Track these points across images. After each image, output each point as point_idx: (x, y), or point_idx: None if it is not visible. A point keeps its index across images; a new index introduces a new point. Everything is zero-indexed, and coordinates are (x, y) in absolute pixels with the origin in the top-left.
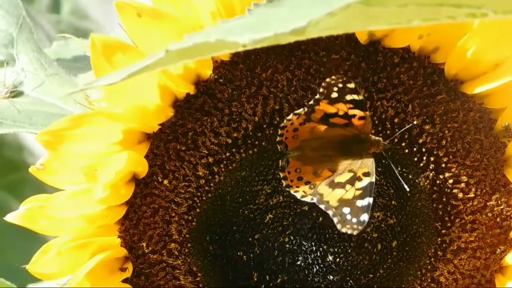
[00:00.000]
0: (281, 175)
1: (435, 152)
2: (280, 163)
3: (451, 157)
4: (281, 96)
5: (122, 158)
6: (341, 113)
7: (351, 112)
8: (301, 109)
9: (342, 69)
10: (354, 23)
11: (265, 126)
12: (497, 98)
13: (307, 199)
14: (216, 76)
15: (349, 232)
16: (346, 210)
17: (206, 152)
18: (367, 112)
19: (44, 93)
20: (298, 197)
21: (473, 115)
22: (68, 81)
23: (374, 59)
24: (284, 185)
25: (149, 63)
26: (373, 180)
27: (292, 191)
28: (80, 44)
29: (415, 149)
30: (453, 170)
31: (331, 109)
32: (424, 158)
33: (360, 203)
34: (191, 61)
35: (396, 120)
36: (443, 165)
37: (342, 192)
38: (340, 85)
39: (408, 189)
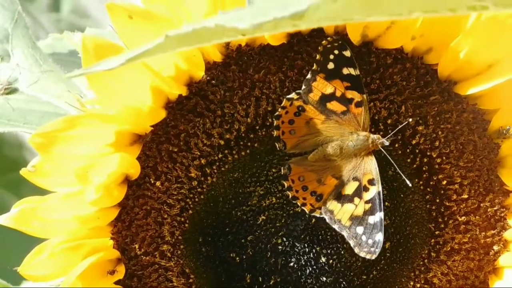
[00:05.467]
0: (286, 184)
1: (428, 153)
2: (282, 170)
3: (444, 158)
4: (274, 97)
5: (115, 159)
6: (338, 93)
7: (348, 95)
8: (293, 94)
9: None
10: (355, 12)
11: (257, 127)
12: (491, 99)
13: (316, 214)
14: (208, 78)
15: (368, 257)
16: (360, 229)
17: (199, 153)
18: (364, 96)
19: (39, 91)
20: (307, 212)
21: (466, 116)
22: (63, 78)
23: (367, 60)
24: (290, 197)
25: (148, 48)
26: (380, 189)
27: (299, 204)
28: (72, 42)
29: (408, 150)
30: (446, 171)
31: (328, 88)
32: (418, 159)
33: (371, 219)
34: (190, 48)
35: (389, 121)
36: (437, 166)
37: (352, 208)
38: (336, 52)
39: (410, 184)
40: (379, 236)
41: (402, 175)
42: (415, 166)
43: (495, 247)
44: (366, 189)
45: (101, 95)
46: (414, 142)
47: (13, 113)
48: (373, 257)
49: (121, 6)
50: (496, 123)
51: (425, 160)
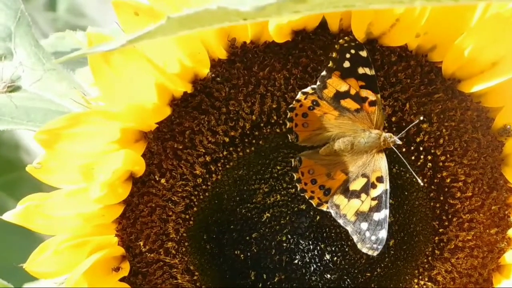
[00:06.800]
0: (295, 176)
1: (432, 151)
2: (293, 162)
3: (448, 155)
4: (279, 94)
5: (119, 157)
6: (352, 92)
7: (362, 93)
8: (309, 88)
9: None
10: None
11: (262, 124)
12: (495, 97)
13: (323, 208)
14: (213, 75)
15: (370, 253)
16: (364, 225)
17: (203, 150)
18: (378, 96)
19: (42, 89)
20: (314, 205)
21: (470, 113)
22: (65, 76)
23: (371, 57)
24: (298, 189)
25: (149, 30)
26: (387, 187)
27: (307, 197)
28: (76, 41)
29: (412, 147)
30: (450, 168)
31: (343, 86)
32: (422, 157)
33: (376, 216)
34: (192, 31)
35: (393, 119)
36: (441, 163)
37: (358, 204)
38: (353, 51)
39: (422, 184)
40: (383, 233)
41: (414, 174)
42: (419, 163)
43: (499, 245)
44: (374, 186)
45: (106, 92)
46: (418, 139)
47: (16, 110)
48: (375, 254)
49: (127, 3)
50: (500, 121)
51: (429, 157)
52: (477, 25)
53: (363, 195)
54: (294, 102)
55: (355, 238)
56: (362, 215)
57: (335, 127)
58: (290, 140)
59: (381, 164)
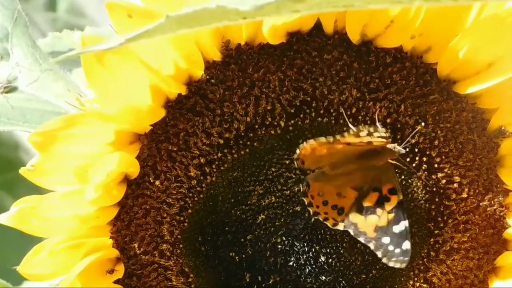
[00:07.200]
0: (306, 201)
1: (427, 152)
2: (301, 188)
3: (443, 157)
4: (273, 96)
5: (114, 159)
6: (365, 140)
7: (375, 139)
8: (323, 138)
9: (334, 69)
10: None
11: (257, 126)
12: (490, 98)
13: (340, 227)
14: (207, 77)
15: (397, 266)
16: (386, 240)
17: (198, 152)
18: (389, 136)
19: (39, 89)
20: (330, 226)
21: (466, 115)
22: (62, 77)
23: (366, 59)
24: (311, 213)
25: (148, 29)
26: (401, 197)
27: (321, 219)
28: (72, 42)
29: (407, 149)
30: (446, 170)
31: (357, 140)
32: (417, 158)
33: (397, 228)
34: (191, 30)
35: (388, 121)
36: (436, 165)
37: (376, 219)
38: (376, 134)
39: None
40: (406, 245)
41: (426, 182)
42: (414, 165)
43: (495, 246)
44: (387, 199)
45: (100, 94)
46: (413, 141)
47: (12, 111)
48: (403, 266)
49: (121, 5)
50: (496, 122)
51: (424, 159)
52: (472, 26)
53: (379, 210)
54: (305, 144)
55: (379, 253)
56: (381, 230)
57: (342, 152)
58: (297, 166)
59: (390, 175)
